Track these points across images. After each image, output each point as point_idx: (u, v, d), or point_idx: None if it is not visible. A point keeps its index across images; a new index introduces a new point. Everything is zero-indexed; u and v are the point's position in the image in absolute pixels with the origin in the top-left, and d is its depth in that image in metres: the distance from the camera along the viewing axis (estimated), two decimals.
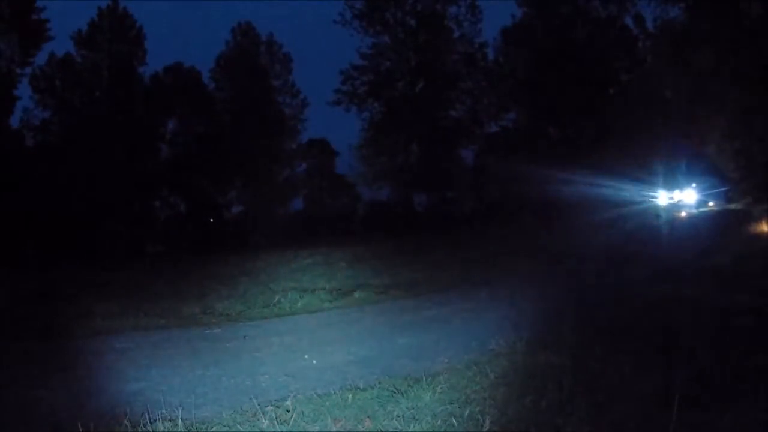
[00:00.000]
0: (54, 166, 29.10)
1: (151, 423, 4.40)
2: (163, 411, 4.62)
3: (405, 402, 4.70)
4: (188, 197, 35.96)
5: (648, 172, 22.24)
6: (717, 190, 21.72)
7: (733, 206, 21.03)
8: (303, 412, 4.57)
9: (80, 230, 28.58)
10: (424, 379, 5.16)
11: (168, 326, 9.02)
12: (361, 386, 5.21)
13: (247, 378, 5.89)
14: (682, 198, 22.25)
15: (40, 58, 32.71)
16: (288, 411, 4.61)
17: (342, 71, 34.75)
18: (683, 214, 22.29)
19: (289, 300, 10.58)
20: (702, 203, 21.66)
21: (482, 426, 4.11)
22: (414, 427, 4.21)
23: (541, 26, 31.19)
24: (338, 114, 36.77)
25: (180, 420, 4.44)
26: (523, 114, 33.91)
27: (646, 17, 29.89)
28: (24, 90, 32.38)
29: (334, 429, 4.28)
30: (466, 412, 4.34)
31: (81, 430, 4.20)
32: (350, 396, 4.91)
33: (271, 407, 4.73)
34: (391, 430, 4.21)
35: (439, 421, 4.25)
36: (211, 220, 35.32)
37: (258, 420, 4.47)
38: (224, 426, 4.45)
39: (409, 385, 5.09)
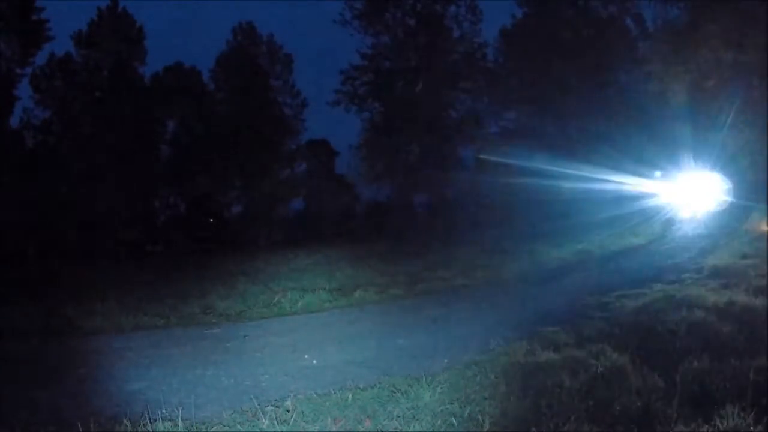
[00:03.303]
0: (54, 166, 29.08)
1: (151, 423, 4.40)
2: (163, 411, 4.62)
3: (405, 402, 4.70)
4: (188, 197, 35.94)
5: (648, 173, 22.24)
6: (717, 190, 21.70)
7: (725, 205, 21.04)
8: (303, 412, 4.57)
9: (80, 230, 28.57)
10: (424, 378, 5.15)
11: (168, 326, 9.03)
12: (361, 386, 5.21)
13: (247, 378, 5.89)
14: (682, 197, 22.25)
15: (40, 58, 32.64)
16: (288, 411, 4.61)
17: (342, 71, 34.72)
18: (683, 214, 22.31)
19: (289, 300, 10.57)
20: (701, 204, 21.66)
21: (482, 426, 4.10)
22: (414, 426, 4.21)
23: (541, 26, 31.14)
24: (338, 114, 36.59)
25: (180, 420, 4.44)
26: (523, 114, 33.88)
27: (646, 17, 29.92)
28: (24, 90, 32.33)
29: (334, 429, 4.28)
30: (466, 412, 4.33)
31: (81, 430, 4.21)
32: (350, 396, 4.90)
33: (271, 407, 4.73)
34: (391, 430, 4.21)
35: (439, 421, 4.25)
36: (211, 220, 35.29)
37: (258, 420, 4.47)
38: (224, 426, 4.45)
39: (409, 385, 5.08)
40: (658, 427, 3.88)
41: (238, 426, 4.42)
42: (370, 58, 34.72)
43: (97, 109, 32.03)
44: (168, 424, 4.41)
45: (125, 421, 4.44)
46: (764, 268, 9.95)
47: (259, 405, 4.75)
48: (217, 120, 34.53)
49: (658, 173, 21.78)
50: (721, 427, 3.77)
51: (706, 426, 3.78)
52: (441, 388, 4.92)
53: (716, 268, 10.90)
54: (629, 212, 22.04)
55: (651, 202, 22.43)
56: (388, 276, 13.04)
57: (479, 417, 4.21)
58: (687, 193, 21.92)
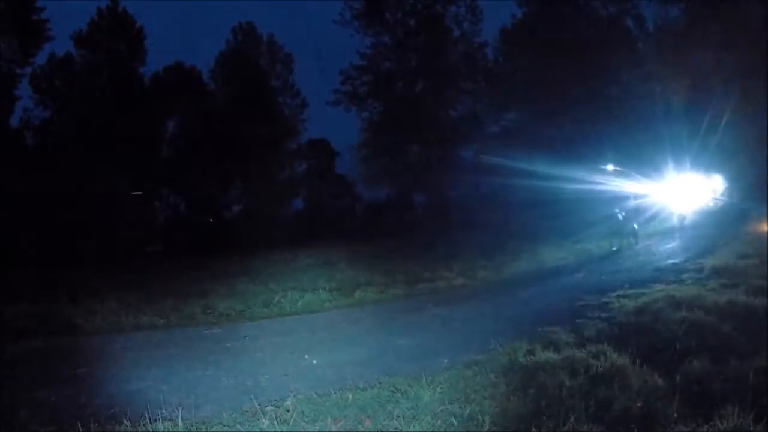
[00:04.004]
0: (54, 166, 29.05)
1: (151, 423, 4.41)
2: (163, 411, 4.62)
3: (405, 402, 4.70)
4: (188, 197, 35.93)
5: (648, 172, 22.28)
6: (716, 190, 21.75)
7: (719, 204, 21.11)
8: (303, 412, 4.57)
9: (80, 230, 28.56)
10: (424, 378, 5.15)
11: (168, 326, 9.04)
12: (361, 386, 5.21)
13: (247, 378, 5.89)
14: (682, 197, 22.30)
15: (40, 58, 32.71)
16: (288, 411, 4.61)
17: (342, 71, 34.79)
18: (683, 214, 22.34)
19: (289, 300, 10.58)
20: (701, 204, 21.70)
21: (482, 426, 4.11)
22: (414, 426, 4.20)
23: (541, 26, 31.14)
24: (338, 114, 36.66)
25: (180, 420, 4.44)
26: (523, 114, 33.91)
27: (646, 17, 29.96)
28: (24, 90, 32.38)
29: (334, 429, 4.28)
30: (466, 412, 4.33)
31: (81, 430, 4.21)
32: (350, 396, 4.90)
33: (271, 407, 4.73)
34: (391, 430, 4.20)
35: (439, 421, 4.25)
36: (211, 220, 35.28)
37: (258, 420, 4.47)
38: (224, 426, 4.45)
39: (409, 385, 5.08)
40: (658, 427, 3.88)
41: (238, 426, 4.42)
42: (370, 58, 34.75)
43: (97, 109, 32.01)
44: (168, 424, 4.42)
45: (125, 421, 4.44)
46: (764, 268, 9.95)
47: (259, 405, 4.75)
48: (217, 120, 34.50)
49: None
50: (721, 427, 3.78)
51: (706, 426, 3.79)
52: (441, 388, 4.92)
53: (716, 268, 10.89)
54: (628, 212, 22.04)
55: (651, 202, 22.47)
56: (388, 276, 13.04)
57: (479, 417, 4.21)
58: (687, 194, 21.98)
